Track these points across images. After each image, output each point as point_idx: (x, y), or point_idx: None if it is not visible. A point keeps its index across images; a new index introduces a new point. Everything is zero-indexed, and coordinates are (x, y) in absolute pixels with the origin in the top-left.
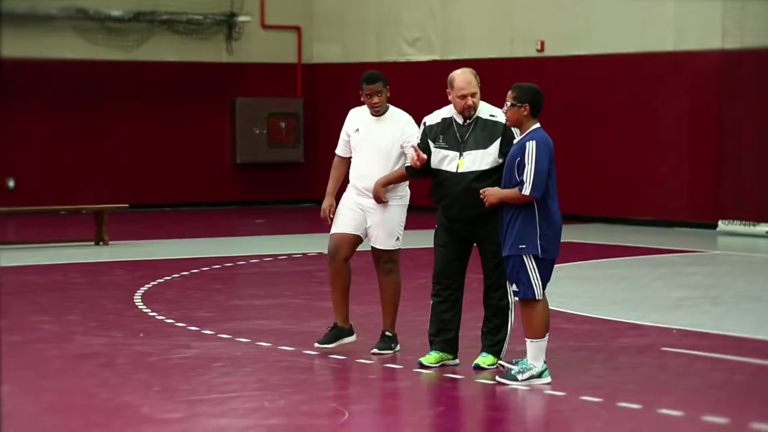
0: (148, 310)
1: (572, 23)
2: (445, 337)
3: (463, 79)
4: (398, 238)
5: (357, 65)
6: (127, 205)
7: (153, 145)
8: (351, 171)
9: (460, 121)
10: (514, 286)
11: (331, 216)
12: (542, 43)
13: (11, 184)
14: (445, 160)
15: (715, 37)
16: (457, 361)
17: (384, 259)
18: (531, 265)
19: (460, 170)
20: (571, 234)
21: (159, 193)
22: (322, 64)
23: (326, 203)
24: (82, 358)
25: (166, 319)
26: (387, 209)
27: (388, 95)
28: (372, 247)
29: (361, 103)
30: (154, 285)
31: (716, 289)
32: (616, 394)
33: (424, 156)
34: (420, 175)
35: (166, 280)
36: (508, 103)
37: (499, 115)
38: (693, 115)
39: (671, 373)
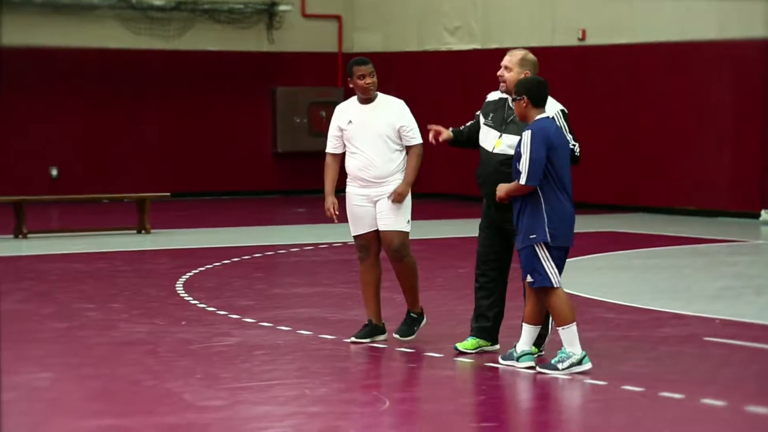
0: (190, 298)
1: (614, 12)
2: (483, 324)
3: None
4: (408, 221)
5: (398, 54)
6: (168, 193)
7: (194, 134)
8: (351, 163)
9: (511, 103)
10: (529, 276)
11: (336, 213)
12: (584, 32)
13: (54, 172)
14: (488, 137)
15: (758, 25)
16: (496, 347)
17: (396, 244)
18: (544, 254)
19: (494, 150)
20: (613, 223)
21: (200, 181)
22: (363, 53)
23: (329, 202)
24: (126, 345)
25: (208, 307)
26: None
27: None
28: (383, 234)
29: (349, 95)
30: (195, 273)
31: (759, 279)
32: (657, 384)
33: (443, 130)
34: (466, 145)
35: (207, 268)
36: (510, 99)
37: (549, 110)
38: (736, 105)
39: (713, 363)
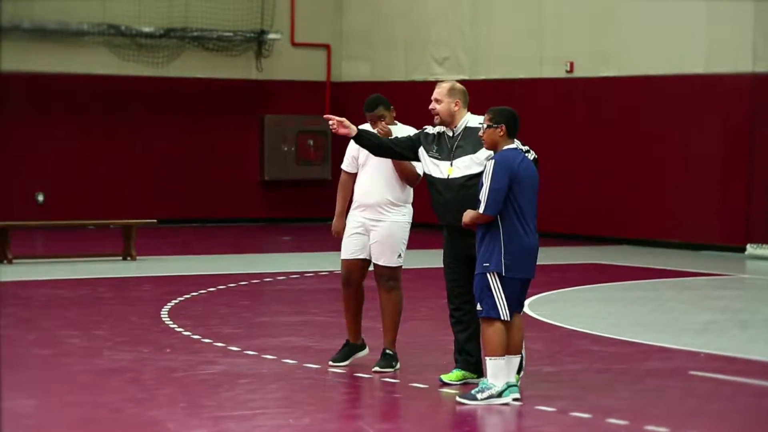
0: (175, 326)
1: (602, 44)
2: (466, 357)
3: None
4: (400, 255)
5: (385, 84)
6: (155, 220)
7: (182, 162)
8: (356, 187)
9: (450, 133)
10: (479, 305)
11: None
12: (572, 64)
13: (40, 198)
14: (438, 168)
15: (746, 59)
16: (482, 378)
17: (386, 276)
18: (495, 284)
19: (450, 176)
20: (598, 256)
21: (187, 208)
22: (351, 83)
23: (339, 225)
24: (110, 373)
25: (193, 335)
26: (390, 226)
27: (394, 115)
28: (374, 264)
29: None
30: (181, 301)
31: (744, 313)
32: (642, 418)
33: (346, 123)
34: (374, 149)
35: (193, 295)
36: (484, 126)
37: (473, 124)
38: (723, 138)
39: (698, 397)
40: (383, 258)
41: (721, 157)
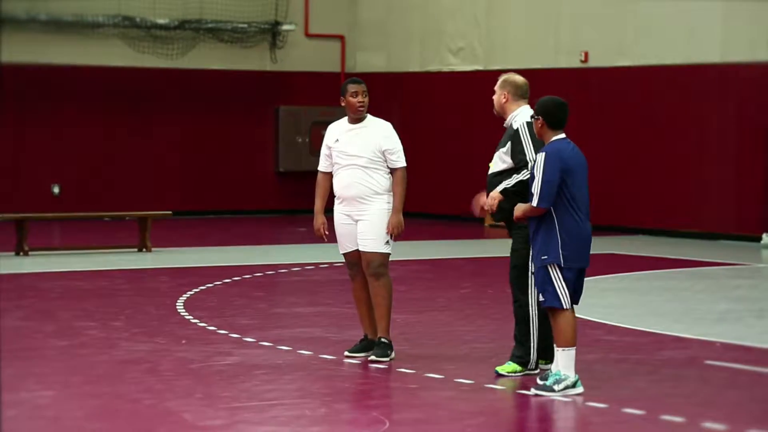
0: (191, 317)
1: (617, 34)
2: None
3: None
4: (388, 241)
5: (400, 75)
6: (170, 212)
7: (197, 153)
8: (336, 182)
9: (506, 126)
10: (541, 296)
11: (326, 233)
12: (586, 54)
13: (56, 190)
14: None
15: (762, 48)
16: (555, 371)
17: (375, 263)
18: (556, 275)
19: (489, 171)
20: (615, 246)
21: (202, 200)
22: (366, 73)
23: (319, 222)
24: (127, 364)
25: (208, 326)
26: (375, 214)
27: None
28: (362, 252)
29: (342, 115)
30: (196, 292)
31: (760, 302)
32: (658, 407)
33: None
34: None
35: (208, 287)
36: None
37: (517, 121)
38: (739, 127)
39: (714, 386)
40: (372, 245)
41: (738, 147)
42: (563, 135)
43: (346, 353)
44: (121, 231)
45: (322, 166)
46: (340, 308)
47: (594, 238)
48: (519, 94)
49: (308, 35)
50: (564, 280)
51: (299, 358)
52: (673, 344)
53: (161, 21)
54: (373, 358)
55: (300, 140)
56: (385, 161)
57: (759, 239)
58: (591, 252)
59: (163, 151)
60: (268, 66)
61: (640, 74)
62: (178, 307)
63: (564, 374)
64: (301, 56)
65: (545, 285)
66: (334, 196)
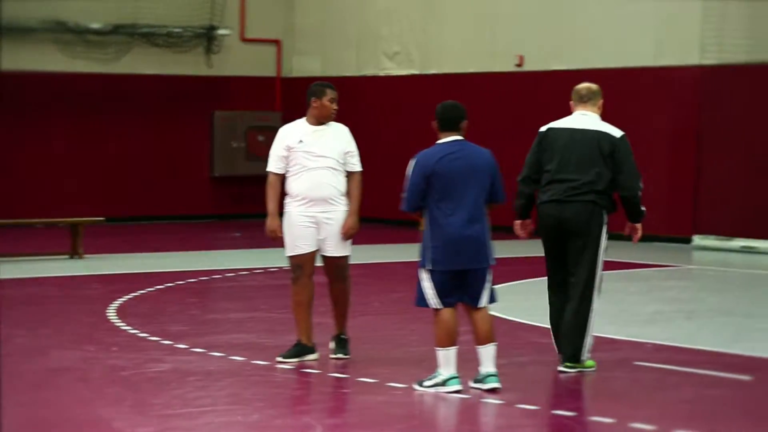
0: (122, 324)
1: (551, 38)
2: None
3: None
4: (350, 243)
5: (336, 79)
6: (102, 218)
7: (130, 159)
8: (299, 183)
9: None
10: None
11: (280, 235)
12: (521, 58)
13: None
14: None
15: (693, 52)
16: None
17: (340, 266)
18: (426, 277)
19: None
20: None
21: (135, 206)
22: (302, 78)
23: (275, 224)
24: (56, 372)
25: (140, 333)
26: (341, 217)
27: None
28: (326, 257)
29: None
30: (128, 299)
31: (691, 303)
32: (589, 408)
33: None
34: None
35: (141, 293)
36: None
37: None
38: (671, 130)
39: (644, 387)
40: (339, 249)
41: (669, 149)
42: (454, 137)
43: (279, 358)
44: (53, 238)
45: (276, 167)
46: (274, 314)
47: (530, 241)
48: (575, 99)
49: (244, 40)
50: (434, 282)
51: (232, 364)
52: (605, 346)
53: (95, 26)
54: (339, 356)
55: (236, 145)
56: (345, 164)
57: (690, 241)
58: (525, 255)
59: (96, 156)
60: (203, 71)
61: (574, 78)
62: (109, 314)
63: (437, 372)
64: (237, 61)
65: (418, 285)
66: (288, 198)
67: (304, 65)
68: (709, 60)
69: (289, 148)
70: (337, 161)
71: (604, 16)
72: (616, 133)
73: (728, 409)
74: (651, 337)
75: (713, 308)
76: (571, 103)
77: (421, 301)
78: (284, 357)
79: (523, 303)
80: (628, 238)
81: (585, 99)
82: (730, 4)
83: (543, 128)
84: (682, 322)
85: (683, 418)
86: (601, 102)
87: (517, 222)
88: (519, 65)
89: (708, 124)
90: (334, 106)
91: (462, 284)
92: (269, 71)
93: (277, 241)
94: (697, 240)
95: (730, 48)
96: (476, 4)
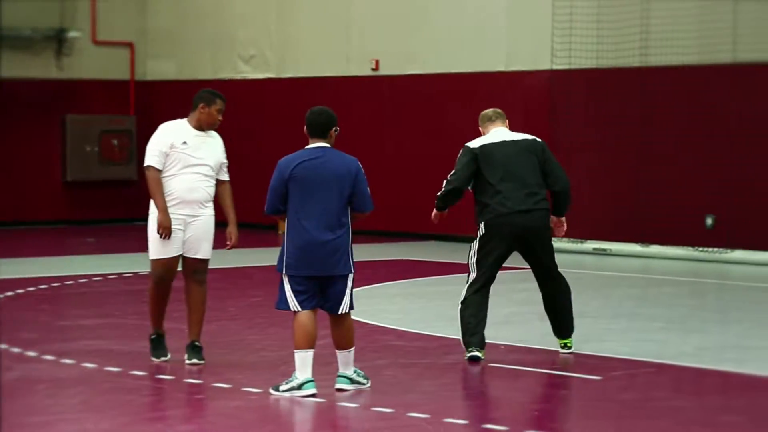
0: None
1: (406, 43)
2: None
3: None
4: (211, 247)
5: (192, 82)
6: None
7: None
8: (175, 184)
9: None
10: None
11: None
12: (377, 62)
13: None
14: None
15: (545, 57)
16: None
17: (201, 269)
18: (284, 280)
19: None
20: (405, 252)
21: None
22: (156, 81)
23: (168, 220)
24: None
25: None
26: (208, 219)
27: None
28: (190, 259)
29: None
30: None
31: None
32: (442, 411)
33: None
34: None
35: None
36: None
37: None
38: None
39: (497, 388)
40: (202, 251)
41: None
42: (320, 143)
43: (156, 360)
44: None
45: (159, 162)
46: (128, 320)
47: (385, 244)
48: (485, 122)
49: (96, 42)
50: (292, 286)
51: (83, 371)
52: (460, 348)
53: None
54: (195, 361)
55: (89, 149)
56: (218, 173)
57: None
58: (381, 258)
59: None
60: (53, 74)
61: (429, 82)
62: None
63: (294, 375)
64: (89, 64)
65: (280, 287)
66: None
67: (158, 69)
68: (559, 65)
69: (173, 147)
70: (212, 168)
71: (458, 21)
72: (533, 137)
73: (578, 409)
74: (505, 338)
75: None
76: (481, 128)
77: (282, 303)
78: (161, 357)
79: (378, 306)
80: None
81: (494, 118)
82: (578, 11)
83: (473, 144)
84: (536, 324)
85: (534, 418)
86: (507, 121)
87: (439, 214)
88: (375, 69)
89: (559, 127)
90: (220, 117)
91: (321, 290)
92: (122, 75)
93: (142, 244)
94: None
95: (580, 53)
96: (332, 8)
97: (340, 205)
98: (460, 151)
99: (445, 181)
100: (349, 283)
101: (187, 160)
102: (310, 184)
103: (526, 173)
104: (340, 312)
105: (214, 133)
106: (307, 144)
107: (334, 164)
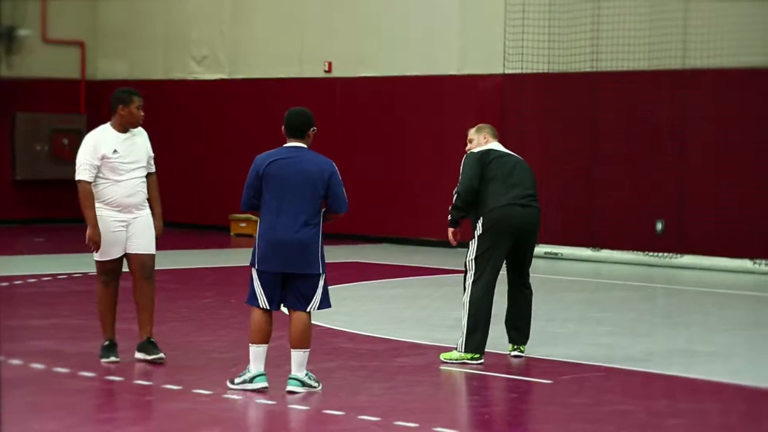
0: None
1: (360, 46)
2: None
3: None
4: (155, 243)
5: (143, 82)
6: None
7: None
8: (114, 191)
9: None
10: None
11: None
12: (330, 64)
13: None
14: None
15: (496, 62)
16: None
17: (148, 266)
18: (254, 276)
19: None
20: (357, 254)
21: None
22: (107, 81)
23: (97, 234)
24: None
25: None
26: (148, 218)
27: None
28: (135, 256)
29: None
30: None
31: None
32: (393, 413)
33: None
34: None
35: None
36: None
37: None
38: None
39: (448, 392)
40: (146, 246)
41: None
42: (296, 143)
43: (105, 361)
44: None
45: (89, 176)
46: (77, 320)
47: (340, 247)
48: (492, 135)
49: (46, 41)
50: (261, 282)
51: (31, 372)
52: (410, 351)
53: None
54: (154, 358)
55: (39, 148)
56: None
57: None
58: (333, 261)
59: None
60: (3, 72)
61: (382, 84)
62: None
63: (247, 368)
64: (39, 62)
65: (250, 283)
66: (99, 203)
67: (109, 67)
68: (511, 69)
69: (104, 158)
70: (144, 167)
71: (410, 24)
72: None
73: (528, 413)
74: (456, 342)
75: None
76: (476, 135)
77: (252, 299)
78: (115, 359)
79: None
80: (438, 243)
81: (496, 135)
82: (531, 16)
83: (478, 150)
84: None
85: (484, 421)
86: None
87: (455, 231)
88: (328, 71)
89: (510, 130)
90: (141, 113)
91: (290, 287)
92: (73, 73)
93: (88, 248)
94: None
95: (532, 58)
96: (285, 9)
97: (311, 205)
98: (463, 160)
99: (455, 191)
100: (321, 283)
101: (121, 167)
102: (282, 183)
103: (526, 180)
104: (308, 309)
105: (139, 130)
106: (289, 142)
107: (306, 164)
